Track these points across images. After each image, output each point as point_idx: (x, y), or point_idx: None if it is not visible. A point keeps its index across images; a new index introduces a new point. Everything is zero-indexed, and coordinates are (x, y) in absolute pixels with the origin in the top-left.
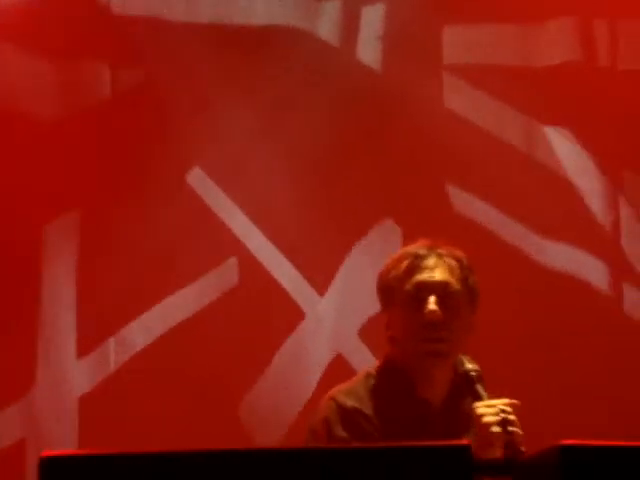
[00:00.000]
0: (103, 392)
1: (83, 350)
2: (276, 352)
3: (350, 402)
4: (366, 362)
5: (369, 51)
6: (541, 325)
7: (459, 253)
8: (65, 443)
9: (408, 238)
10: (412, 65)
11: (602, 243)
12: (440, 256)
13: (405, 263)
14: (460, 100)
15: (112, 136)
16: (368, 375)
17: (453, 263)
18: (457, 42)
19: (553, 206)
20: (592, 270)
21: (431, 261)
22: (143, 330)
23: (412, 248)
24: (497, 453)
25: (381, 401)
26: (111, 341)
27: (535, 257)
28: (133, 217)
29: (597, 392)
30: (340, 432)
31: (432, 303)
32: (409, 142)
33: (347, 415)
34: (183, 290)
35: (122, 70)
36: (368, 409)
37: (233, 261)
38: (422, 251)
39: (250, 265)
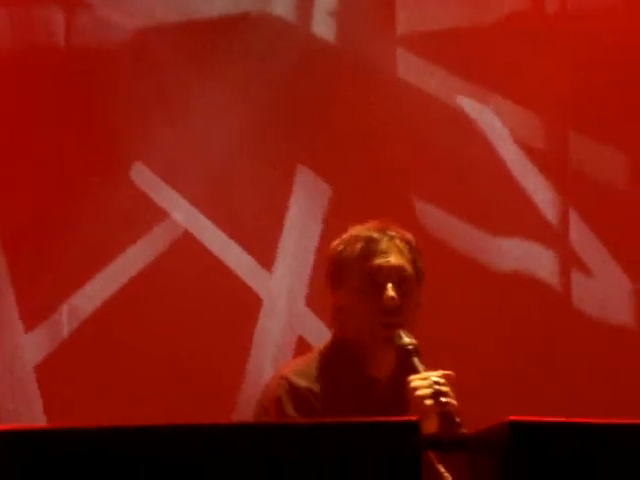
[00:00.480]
0: (58, 361)
1: (32, 324)
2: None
3: (302, 382)
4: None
5: (323, 26)
6: (492, 323)
7: (407, 235)
8: (30, 416)
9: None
10: (366, 37)
11: (550, 236)
12: (392, 238)
13: (359, 246)
14: (413, 72)
15: (57, 110)
16: (318, 354)
17: (403, 245)
18: (410, 11)
19: (498, 198)
20: (541, 264)
21: (384, 244)
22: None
23: (363, 230)
24: (432, 425)
25: (331, 380)
26: (64, 309)
27: (483, 255)
28: (69, 192)
29: (548, 385)
30: (291, 412)
31: (390, 290)
32: (362, 114)
33: (298, 395)
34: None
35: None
36: (319, 388)
37: (179, 237)
38: (375, 234)
39: (195, 248)
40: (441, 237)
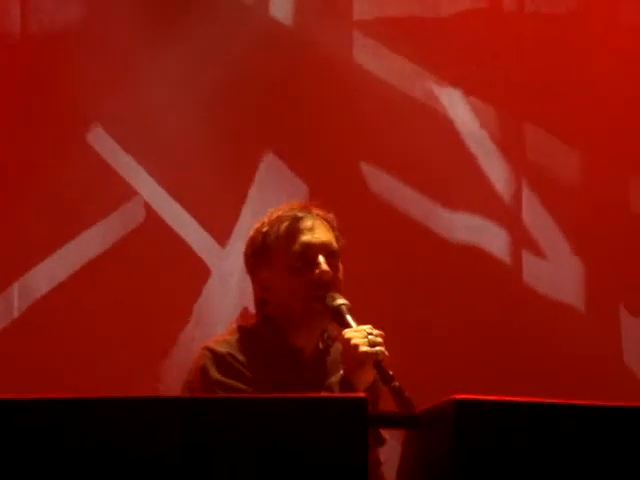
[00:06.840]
0: (7, 339)
1: None
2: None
3: (223, 348)
4: None
5: (282, 8)
6: (443, 294)
7: (328, 214)
8: None
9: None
10: (323, 21)
11: (502, 212)
12: (315, 216)
13: (284, 225)
14: (369, 57)
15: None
16: (241, 327)
17: (326, 224)
18: None
19: (454, 175)
20: (493, 239)
21: (309, 222)
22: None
23: (287, 211)
24: (368, 374)
25: (254, 349)
26: (15, 287)
27: (435, 227)
28: (29, 165)
29: (496, 360)
30: (215, 375)
31: (323, 263)
32: (319, 97)
33: (221, 360)
34: (84, 236)
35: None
36: (241, 356)
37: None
38: (299, 213)
39: (153, 220)
40: (394, 205)
